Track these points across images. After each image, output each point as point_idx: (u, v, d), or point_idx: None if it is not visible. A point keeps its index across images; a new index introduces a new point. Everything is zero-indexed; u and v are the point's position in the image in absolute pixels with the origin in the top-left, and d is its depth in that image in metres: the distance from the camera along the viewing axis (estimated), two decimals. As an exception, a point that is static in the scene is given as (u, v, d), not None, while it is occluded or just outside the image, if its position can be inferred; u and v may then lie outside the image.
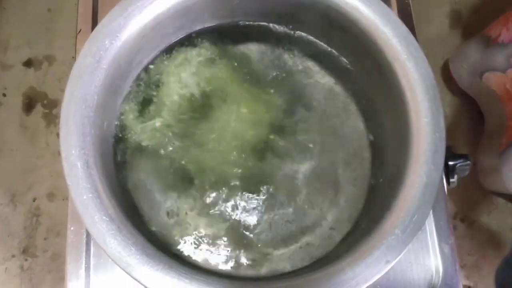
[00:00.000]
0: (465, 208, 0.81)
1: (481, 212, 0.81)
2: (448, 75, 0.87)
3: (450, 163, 0.56)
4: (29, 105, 0.77)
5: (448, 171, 0.56)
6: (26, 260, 0.69)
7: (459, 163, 0.56)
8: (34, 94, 0.78)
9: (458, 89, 0.85)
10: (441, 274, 0.50)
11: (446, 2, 0.91)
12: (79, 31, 0.56)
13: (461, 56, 0.83)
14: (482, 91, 0.80)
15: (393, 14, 0.45)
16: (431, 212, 0.52)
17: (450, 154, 0.57)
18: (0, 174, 0.73)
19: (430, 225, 0.51)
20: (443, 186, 0.54)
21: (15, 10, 0.82)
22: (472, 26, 0.89)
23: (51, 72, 0.78)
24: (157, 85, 0.49)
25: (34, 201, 0.72)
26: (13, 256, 0.69)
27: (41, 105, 0.77)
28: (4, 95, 0.77)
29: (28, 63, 0.79)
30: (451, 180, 0.56)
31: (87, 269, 0.48)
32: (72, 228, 0.49)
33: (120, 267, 0.37)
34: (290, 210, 0.46)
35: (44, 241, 0.70)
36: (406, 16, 0.59)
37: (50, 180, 0.70)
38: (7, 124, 0.76)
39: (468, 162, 0.57)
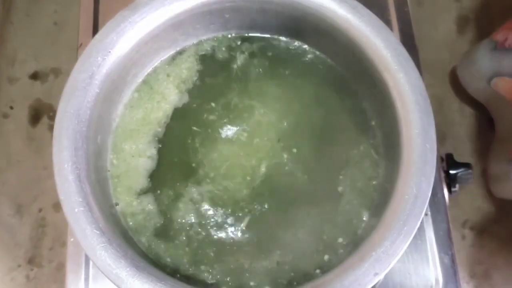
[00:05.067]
0: (474, 216, 0.80)
1: (491, 220, 0.80)
2: (456, 81, 0.86)
3: (452, 171, 0.55)
4: (35, 117, 0.78)
5: (450, 180, 0.55)
6: (32, 270, 0.70)
7: (460, 171, 0.56)
8: (40, 107, 0.79)
9: (467, 95, 0.84)
10: (441, 286, 0.50)
11: (453, 7, 0.90)
12: (80, 45, 0.57)
13: (468, 61, 0.82)
14: (491, 96, 0.79)
15: (384, 25, 0.45)
16: (430, 222, 0.52)
17: (452, 162, 0.56)
18: (7, 185, 0.74)
19: (429, 235, 0.51)
20: (444, 195, 0.54)
21: (22, 24, 0.83)
22: (480, 31, 0.88)
23: (57, 85, 0.80)
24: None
25: (40, 211, 0.73)
26: (19, 265, 0.70)
27: (47, 117, 0.78)
28: (11, 107, 0.79)
29: (34, 76, 0.81)
30: (453, 189, 0.55)
31: (86, 279, 0.49)
32: (72, 240, 0.50)
33: (110, 279, 0.37)
34: (285, 219, 0.46)
35: (49, 251, 0.71)
36: (405, 24, 0.59)
37: (55, 191, 0.70)
38: (14, 136, 0.77)
39: (470, 170, 0.56)
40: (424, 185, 0.40)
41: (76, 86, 0.42)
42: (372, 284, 0.38)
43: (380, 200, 0.44)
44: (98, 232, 0.38)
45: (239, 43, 0.52)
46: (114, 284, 0.37)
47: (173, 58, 0.51)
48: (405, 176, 0.41)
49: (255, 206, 0.46)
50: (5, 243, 0.71)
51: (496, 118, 0.83)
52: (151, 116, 0.49)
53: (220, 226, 0.45)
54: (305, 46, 0.52)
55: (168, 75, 0.50)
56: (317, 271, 0.43)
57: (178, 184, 0.47)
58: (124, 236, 0.42)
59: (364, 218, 0.45)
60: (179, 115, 0.49)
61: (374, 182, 0.46)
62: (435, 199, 0.53)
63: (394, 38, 0.44)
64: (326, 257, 0.44)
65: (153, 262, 0.43)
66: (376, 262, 0.38)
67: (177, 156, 0.48)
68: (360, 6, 0.45)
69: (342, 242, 0.45)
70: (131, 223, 0.45)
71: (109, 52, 0.43)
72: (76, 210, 0.39)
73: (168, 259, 0.44)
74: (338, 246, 0.45)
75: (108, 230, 0.39)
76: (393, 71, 0.43)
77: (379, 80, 0.44)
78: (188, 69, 0.51)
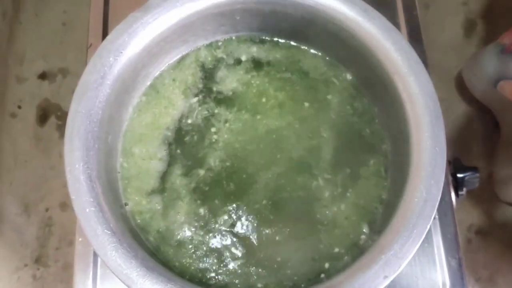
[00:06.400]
0: (480, 220, 0.80)
1: (496, 225, 0.80)
2: (462, 84, 0.86)
3: (459, 175, 0.55)
4: (43, 117, 0.79)
5: (457, 184, 0.55)
6: (38, 269, 0.70)
7: (468, 175, 0.55)
8: (48, 106, 0.80)
9: (472, 99, 0.84)
10: (448, 289, 0.49)
11: (460, 11, 0.91)
12: (90, 46, 0.58)
13: (474, 65, 0.82)
14: (497, 100, 0.79)
15: (394, 28, 0.45)
16: (438, 225, 0.51)
17: (459, 166, 0.56)
18: (14, 184, 0.75)
19: (437, 238, 0.51)
20: (451, 199, 0.54)
21: (31, 24, 0.84)
22: (486, 34, 0.88)
23: (65, 85, 0.80)
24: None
25: (46, 211, 0.73)
26: (26, 265, 0.70)
27: (55, 117, 0.79)
28: (19, 107, 0.79)
29: (42, 76, 0.81)
30: (460, 192, 0.55)
31: (94, 279, 0.49)
32: (80, 239, 0.50)
33: (120, 280, 0.38)
34: (290, 228, 0.46)
35: (56, 251, 0.71)
36: (414, 28, 0.59)
37: (62, 191, 0.71)
38: (22, 136, 0.77)
39: (477, 174, 0.56)
40: (434, 189, 0.40)
41: (88, 87, 0.42)
42: (382, 287, 0.38)
43: (388, 204, 0.44)
44: (109, 232, 0.38)
45: (248, 46, 0.52)
46: (125, 284, 0.38)
47: (179, 62, 0.51)
48: (414, 180, 0.41)
49: (262, 214, 0.46)
50: (12, 243, 0.71)
51: (501, 122, 0.83)
52: (160, 121, 0.49)
53: (227, 229, 0.46)
54: (314, 50, 0.52)
55: (174, 80, 0.50)
56: (322, 275, 0.44)
57: (186, 185, 0.47)
58: (133, 236, 0.42)
59: (365, 230, 0.45)
60: (187, 119, 0.49)
61: (383, 197, 0.46)
62: (443, 203, 0.52)
63: (404, 41, 0.44)
64: (327, 265, 0.44)
65: (161, 262, 0.43)
66: (386, 265, 0.38)
67: (187, 158, 0.48)
68: (371, 9, 0.45)
69: (339, 251, 0.45)
70: (139, 221, 0.45)
71: (121, 53, 0.44)
72: (87, 210, 0.39)
73: (176, 263, 0.44)
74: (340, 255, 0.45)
75: (118, 230, 0.39)
76: (403, 74, 0.43)
77: (389, 83, 0.44)
78: (192, 74, 0.51)
